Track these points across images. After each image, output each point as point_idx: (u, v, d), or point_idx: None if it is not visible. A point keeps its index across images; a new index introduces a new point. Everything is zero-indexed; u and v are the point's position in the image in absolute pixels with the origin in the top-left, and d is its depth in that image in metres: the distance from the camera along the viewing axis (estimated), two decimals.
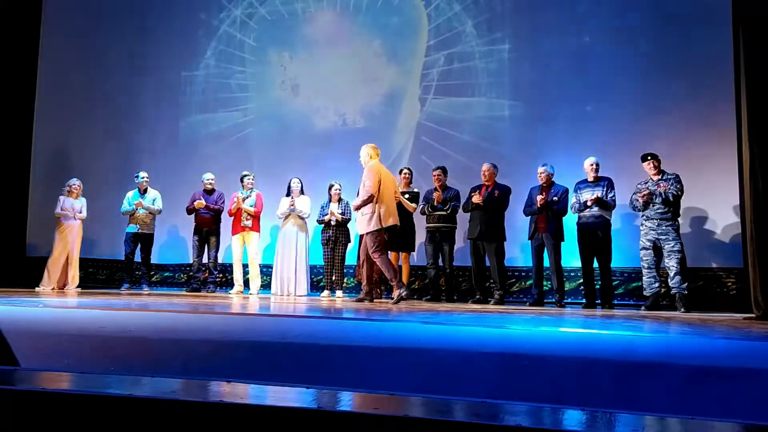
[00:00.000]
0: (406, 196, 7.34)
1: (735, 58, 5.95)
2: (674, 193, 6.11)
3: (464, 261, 7.43)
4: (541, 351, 2.72)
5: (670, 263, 6.04)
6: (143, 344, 2.92)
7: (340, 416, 1.44)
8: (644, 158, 6.33)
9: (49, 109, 9.85)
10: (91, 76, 9.66)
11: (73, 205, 7.87)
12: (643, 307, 6.18)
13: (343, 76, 8.68)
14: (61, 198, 7.89)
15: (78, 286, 7.92)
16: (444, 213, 7.07)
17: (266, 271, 8.08)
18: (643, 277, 6.28)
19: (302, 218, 7.67)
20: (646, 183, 6.31)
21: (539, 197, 6.60)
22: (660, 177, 6.23)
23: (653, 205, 6.15)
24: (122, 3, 9.72)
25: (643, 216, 6.29)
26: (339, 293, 7.58)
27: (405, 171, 7.54)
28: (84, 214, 7.96)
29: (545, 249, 6.68)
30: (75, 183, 7.97)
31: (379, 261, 6.08)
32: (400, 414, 1.40)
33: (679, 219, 6.22)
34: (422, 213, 7.30)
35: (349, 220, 7.61)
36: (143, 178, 8.13)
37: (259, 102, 9.08)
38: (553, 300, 6.64)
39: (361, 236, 6.37)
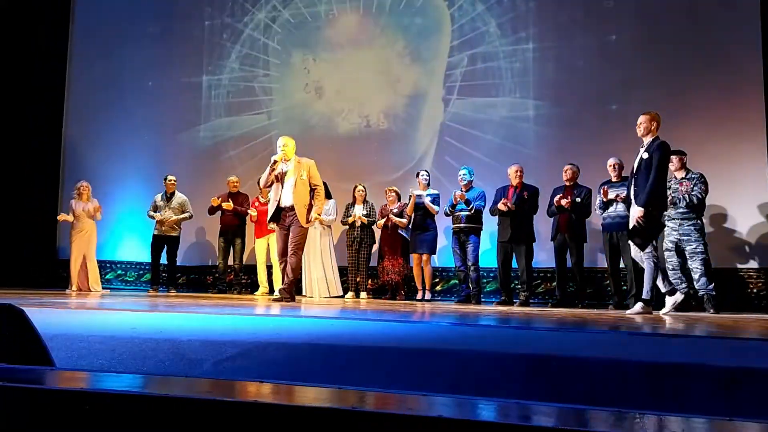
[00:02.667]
0: (428, 198, 7.33)
1: (764, 54, 5.86)
2: (698, 195, 5.98)
3: (489, 262, 7.40)
4: (570, 352, 2.70)
5: (694, 265, 5.91)
6: (173, 345, 2.96)
7: (374, 416, 1.45)
8: None
9: (78, 113, 10.02)
10: (118, 80, 9.80)
11: (85, 207, 7.90)
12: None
13: (366, 77, 8.70)
14: (72, 202, 7.94)
15: (103, 288, 8.02)
16: (468, 213, 7.04)
17: None
18: (670, 279, 6.18)
19: (327, 221, 7.68)
20: (669, 181, 6.19)
21: (562, 199, 6.55)
22: (684, 175, 6.11)
23: (675, 207, 6.04)
24: (147, 7, 9.84)
25: (665, 216, 6.17)
26: (363, 294, 7.60)
27: (423, 173, 7.50)
28: (99, 215, 7.93)
29: (567, 250, 6.64)
30: (83, 184, 7.98)
31: (298, 257, 6.06)
32: (434, 414, 1.40)
33: (702, 218, 6.10)
34: (446, 214, 7.28)
35: (374, 222, 7.62)
36: (170, 180, 8.24)
37: (283, 105, 9.14)
38: (576, 301, 6.60)
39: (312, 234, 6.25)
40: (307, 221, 6.04)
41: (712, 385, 2.17)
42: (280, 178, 6.08)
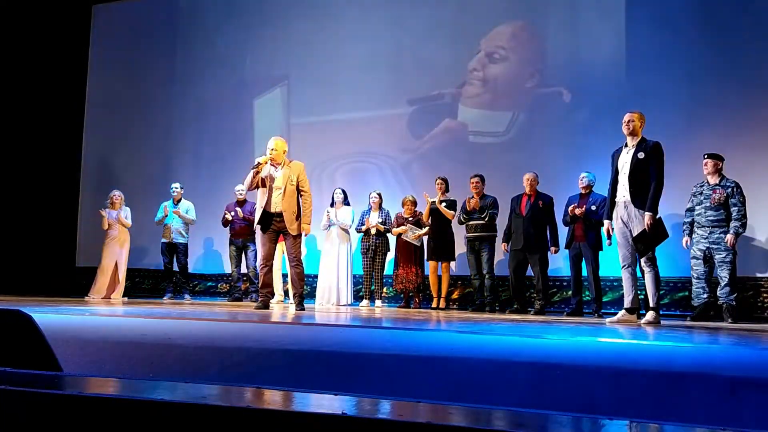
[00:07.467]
0: (443, 204, 7.31)
1: None
2: (738, 226, 5.73)
3: (506, 270, 7.33)
4: (578, 361, 2.66)
5: (722, 273, 5.77)
6: (181, 351, 2.98)
7: (382, 424, 1.44)
8: (704, 156, 6.04)
9: (97, 123, 10.20)
10: (136, 92, 9.96)
11: (116, 216, 8.02)
12: (688, 318, 6.00)
13: (382, 86, 8.67)
14: (105, 211, 8.08)
15: (123, 296, 8.10)
16: (482, 221, 7.01)
17: (309, 281, 8.15)
18: (692, 287, 6.04)
19: (344, 229, 7.67)
20: (701, 186, 6.02)
21: (576, 208, 6.49)
22: (718, 182, 5.89)
23: (705, 211, 5.88)
24: (163, 22, 10.03)
25: (696, 223, 6.01)
26: (378, 302, 7.59)
27: (439, 181, 7.46)
28: (129, 221, 8.08)
29: (583, 258, 6.57)
30: (115, 194, 8.12)
31: (300, 269, 5.74)
32: (441, 422, 1.39)
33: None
34: (459, 222, 7.25)
35: (389, 230, 7.60)
36: (175, 189, 8.33)
37: None
38: (590, 310, 6.52)
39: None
40: (299, 234, 5.70)
41: (717, 394, 2.14)
42: (267, 183, 5.65)
